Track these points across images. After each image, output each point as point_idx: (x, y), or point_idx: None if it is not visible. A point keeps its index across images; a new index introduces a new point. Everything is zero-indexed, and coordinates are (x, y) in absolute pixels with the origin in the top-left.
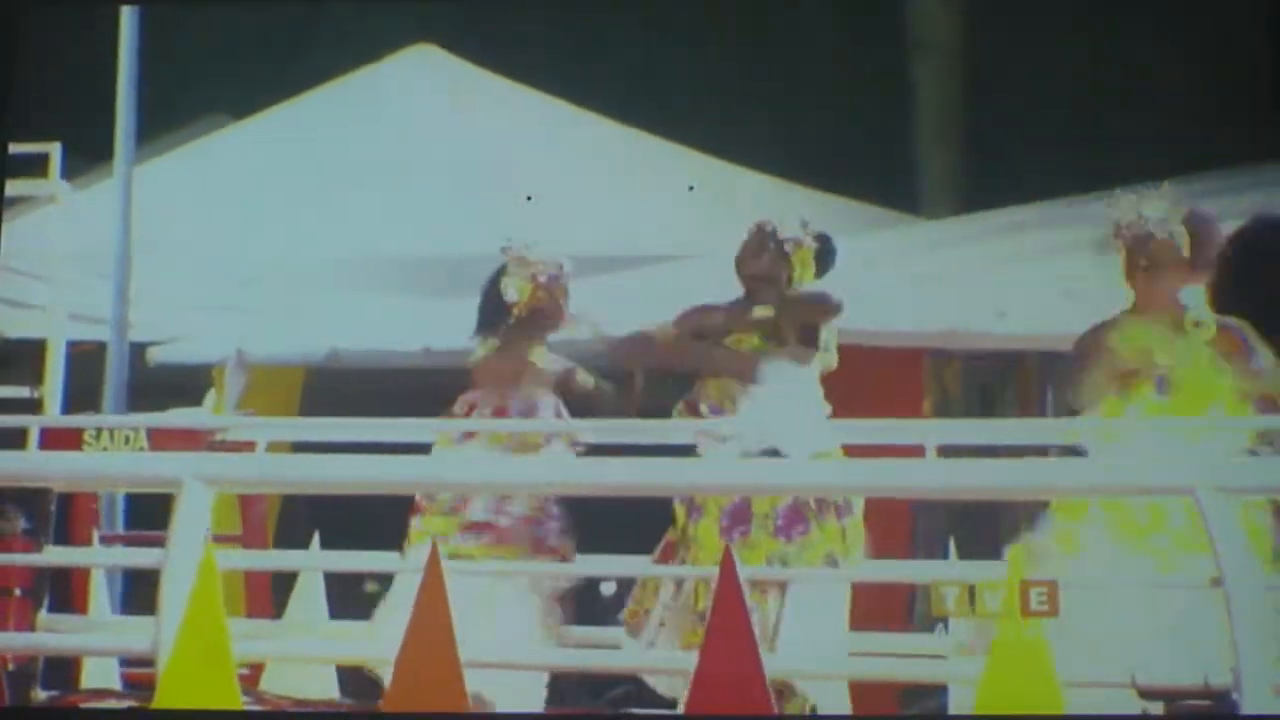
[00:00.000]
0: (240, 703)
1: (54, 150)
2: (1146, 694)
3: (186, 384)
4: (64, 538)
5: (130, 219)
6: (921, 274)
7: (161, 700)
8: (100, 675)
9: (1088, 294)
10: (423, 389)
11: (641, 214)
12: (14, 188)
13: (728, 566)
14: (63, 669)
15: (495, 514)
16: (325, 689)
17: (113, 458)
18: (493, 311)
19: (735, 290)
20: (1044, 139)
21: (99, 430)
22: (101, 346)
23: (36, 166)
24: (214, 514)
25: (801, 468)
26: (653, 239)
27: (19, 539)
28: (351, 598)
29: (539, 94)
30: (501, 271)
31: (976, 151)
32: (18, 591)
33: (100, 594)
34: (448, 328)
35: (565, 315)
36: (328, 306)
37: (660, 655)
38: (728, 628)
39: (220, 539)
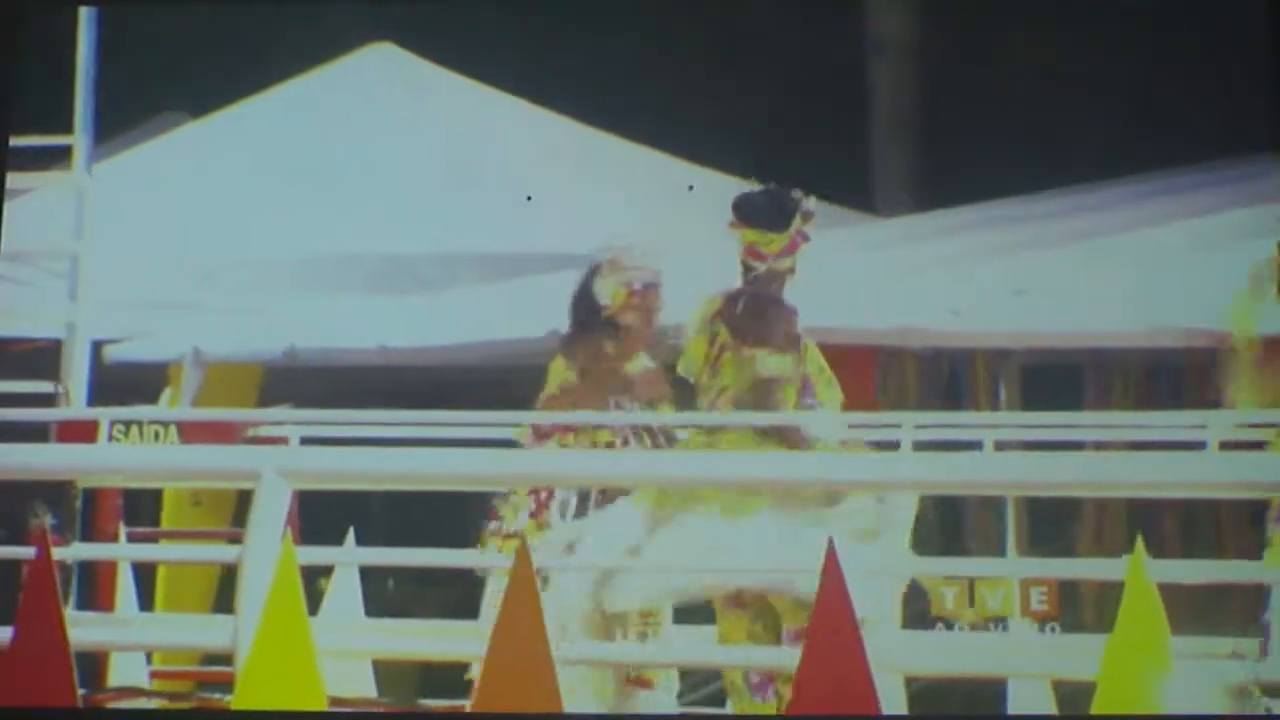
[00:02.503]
0: (325, 699)
1: (79, 142)
2: (1270, 690)
3: (143, 382)
4: (89, 534)
5: (86, 217)
6: (875, 271)
7: (241, 697)
8: (127, 672)
9: (1038, 293)
10: (378, 387)
11: (599, 212)
12: (36, 180)
13: (831, 558)
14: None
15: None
16: (362, 687)
17: (189, 451)
18: (585, 311)
19: (691, 290)
20: (1001, 138)
21: (127, 425)
22: (57, 344)
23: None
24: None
25: (851, 462)
26: (611, 236)
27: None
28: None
29: (497, 92)
30: (594, 273)
31: (933, 150)
32: None
33: (128, 591)
34: (403, 326)
35: (653, 331)
36: (285, 305)
37: (756, 650)
38: (830, 621)
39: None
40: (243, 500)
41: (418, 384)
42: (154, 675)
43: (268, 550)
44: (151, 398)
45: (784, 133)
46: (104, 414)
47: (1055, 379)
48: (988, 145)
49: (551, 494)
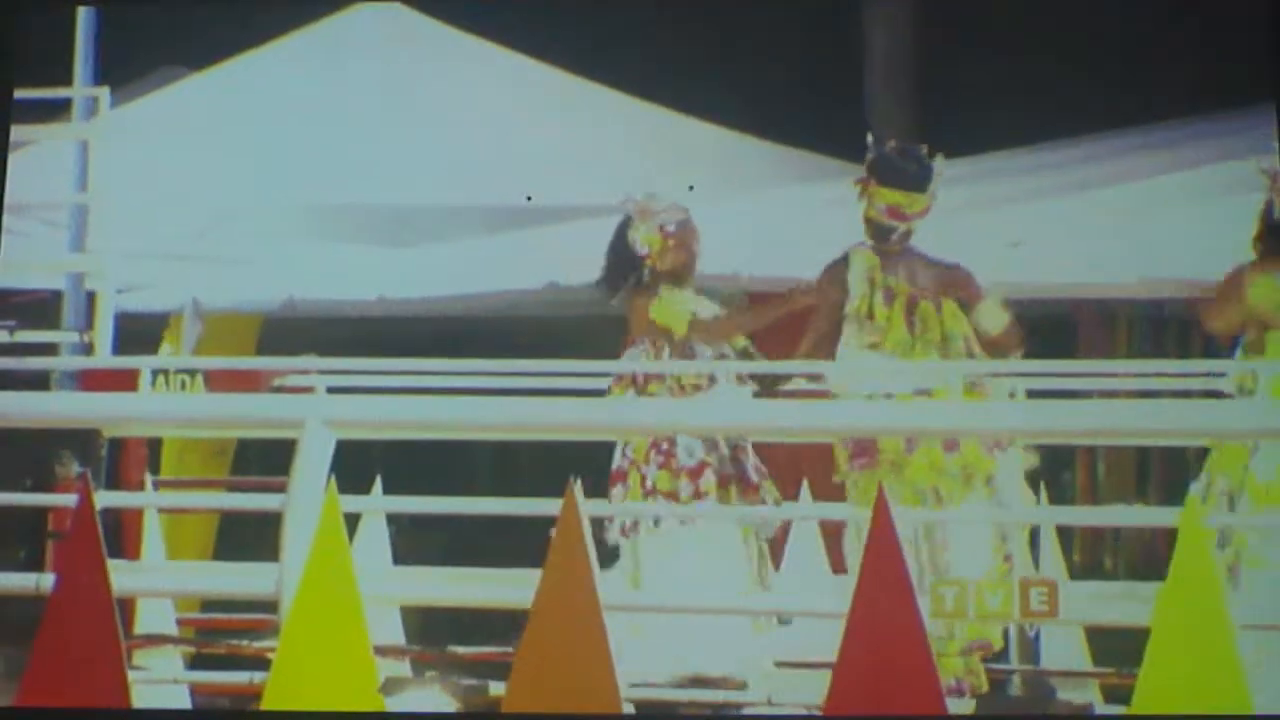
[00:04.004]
0: (369, 644)
1: (103, 95)
2: None
3: (142, 333)
4: (115, 483)
5: (87, 169)
6: None
7: (286, 643)
8: (155, 621)
9: (1033, 244)
10: (377, 337)
11: (596, 164)
12: (37, 133)
13: (882, 506)
14: None
15: (705, 454)
16: (390, 635)
17: (233, 400)
18: (624, 266)
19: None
20: (997, 90)
21: (155, 375)
22: (58, 295)
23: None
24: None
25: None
26: (607, 189)
27: (74, 483)
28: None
29: (494, 46)
30: (627, 225)
31: (928, 103)
32: None
33: (154, 540)
34: (402, 276)
35: (696, 262)
36: (283, 255)
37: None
38: (882, 571)
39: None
40: (240, 450)
41: (417, 335)
42: (181, 623)
43: (312, 498)
44: (151, 348)
45: (780, 84)
46: (143, 362)
47: (1048, 329)
48: (984, 98)
49: (674, 441)
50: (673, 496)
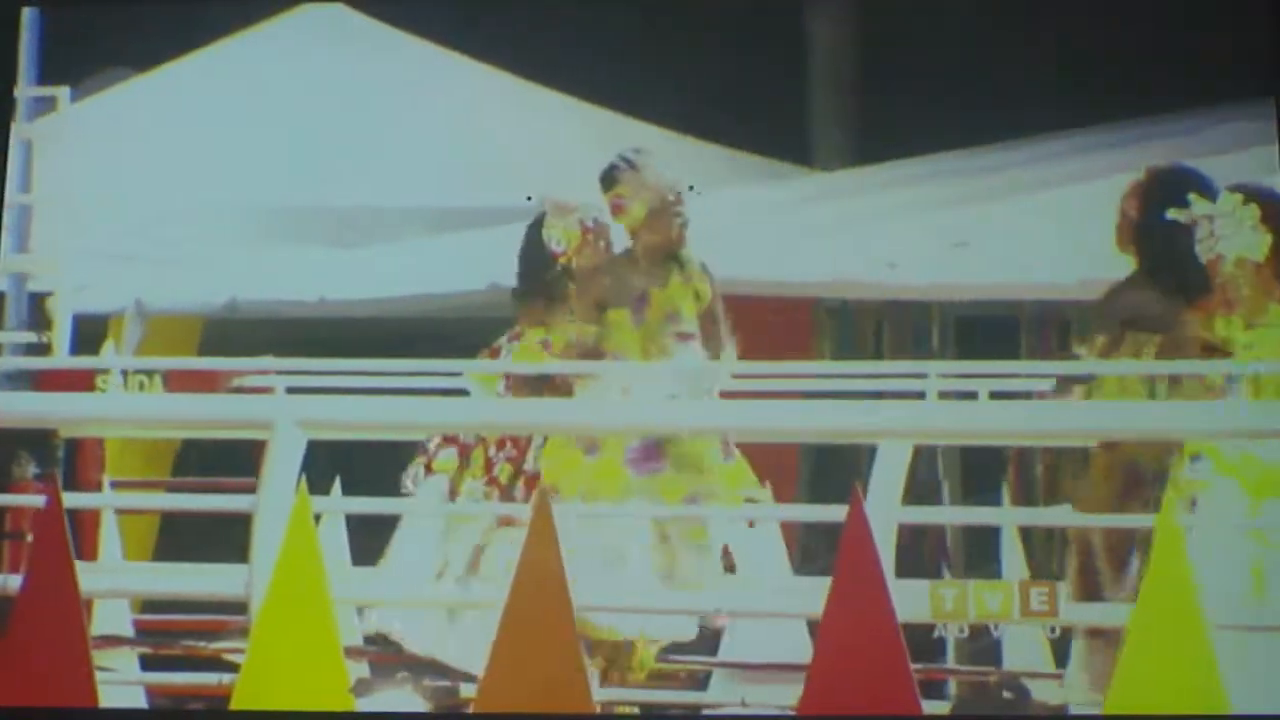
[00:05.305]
0: (339, 646)
1: (62, 94)
2: None
3: (85, 334)
4: (73, 483)
5: (30, 169)
6: (813, 225)
7: (256, 646)
8: (111, 622)
9: (977, 246)
10: (319, 338)
11: (541, 166)
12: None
13: (857, 507)
14: None
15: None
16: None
17: (200, 400)
18: (537, 264)
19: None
20: (940, 91)
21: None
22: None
23: None
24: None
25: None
26: (553, 190)
27: (31, 484)
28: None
29: (439, 48)
30: (540, 222)
31: (871, 104)
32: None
33: (112, 540)
34: (344, 278)
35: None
36: (226, 256)
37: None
38: (857, 571)
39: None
40: (183, 449)
41: (359, 336)
42: (137, 625)
43: (282, 499)
44: (94, 349)
45: (721, 85)
46: (107, 363)
47: (989, 330)
48: (931, 98)
49: (529, 442)
50: (508, 495)
